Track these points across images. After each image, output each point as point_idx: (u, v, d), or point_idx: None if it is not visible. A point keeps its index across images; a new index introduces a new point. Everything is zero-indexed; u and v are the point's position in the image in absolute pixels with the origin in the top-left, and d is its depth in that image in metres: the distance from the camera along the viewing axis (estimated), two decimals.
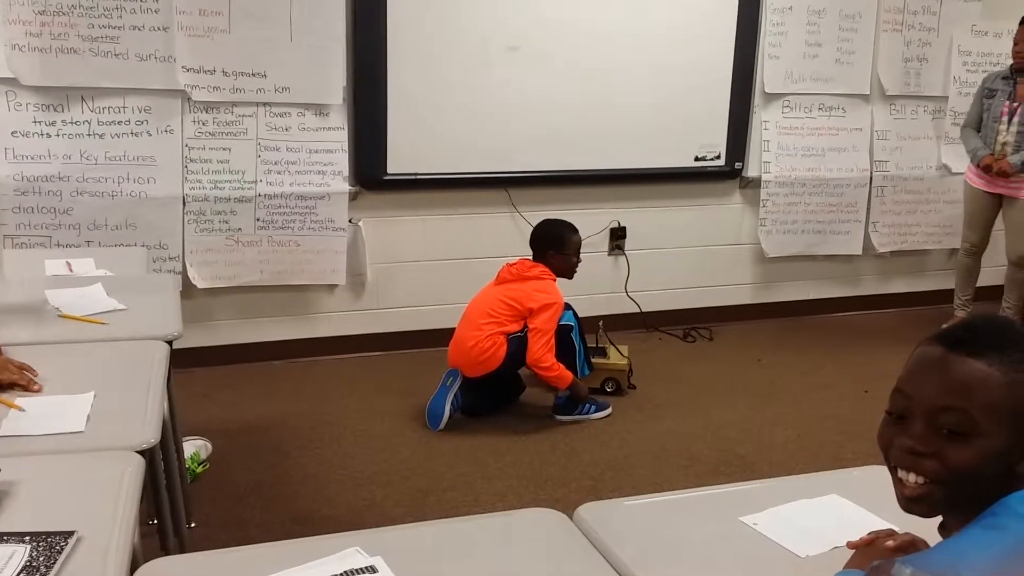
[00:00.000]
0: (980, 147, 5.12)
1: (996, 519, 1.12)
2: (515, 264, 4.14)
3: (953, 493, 1.18)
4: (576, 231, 4.20)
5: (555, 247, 4.14)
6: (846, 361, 4.97)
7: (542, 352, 3.97)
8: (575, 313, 4.17)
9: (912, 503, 1.21)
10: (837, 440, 3.97)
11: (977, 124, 5.19)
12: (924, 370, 1.20)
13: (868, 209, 5.63)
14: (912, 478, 1.19)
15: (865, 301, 5.83)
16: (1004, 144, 5.05)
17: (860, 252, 5.69)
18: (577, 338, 4.17)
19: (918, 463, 1.19)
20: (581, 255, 4.22)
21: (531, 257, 4.17)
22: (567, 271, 4.17)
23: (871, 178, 5.59)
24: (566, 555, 1.63)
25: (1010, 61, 5.08)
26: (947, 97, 5.61)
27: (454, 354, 4.09)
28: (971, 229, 5.34)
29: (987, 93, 5.13)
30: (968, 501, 1.18)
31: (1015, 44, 4.99)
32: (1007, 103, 5.02)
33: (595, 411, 4.16)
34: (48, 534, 1.54)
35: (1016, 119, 5.00)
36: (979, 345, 1.17)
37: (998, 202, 5.18)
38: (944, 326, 1.28)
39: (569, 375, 4.05)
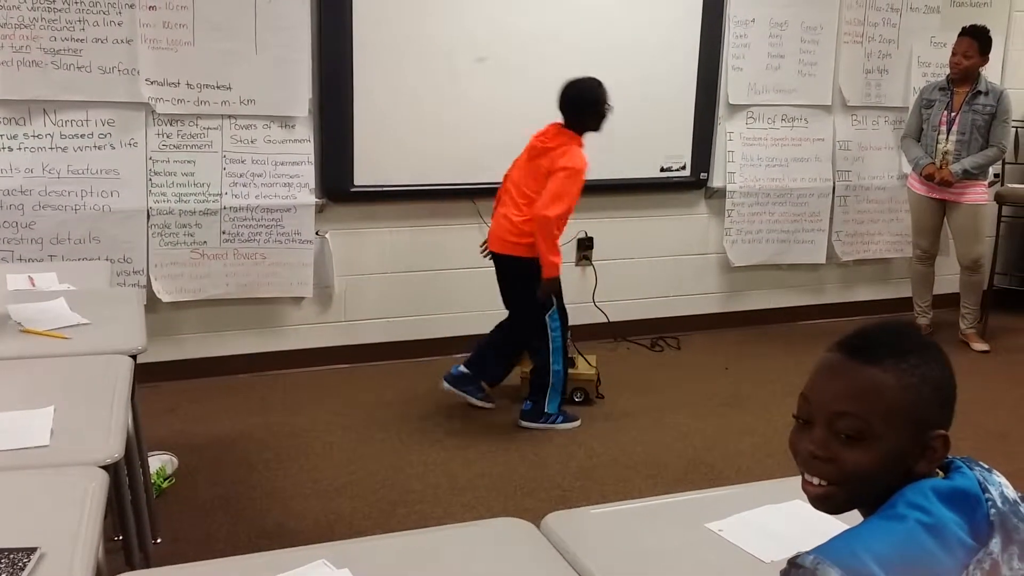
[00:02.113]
0: (922, 156, 5.23)
1: (894, 510, 1.18)
2: (541, 134, 4.06)
3: (853, 493, 1.24)
4: (602, 83, 4.07)
5: (594, 107, 4.02)
6: (811, 369, 5.01)
7: (551, 204, 3.87)
8: (564, 318, 4.13)
9: (816, 502, 1.28)
10: None
11: (917, 134, 5.31)
12: (824, 377, 1.27)
13: (831, 218, 5.70)
14: (815, 480, 1.25)
15: (829, 309, 5.90)
16: (945, 153, 5.15)
17: (824, 261, 5.76)
18: (557, 331, 4.11)
19: (819, 467, 1.25)
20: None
21: (562, 122, 4.05)
22: (599, 125, 4.07)
23: (834, 188, 5.67)
24: (533, 564, 1.63)
25: (947, 71, 5.19)
26: (907, 107, 5.69)
27: (495, 232, 4.12)
28: (920, 235, 5.43)
29: (925, 104, 5.25)
30: (871, 499, 1.24)
31: (952, 55, 5.11)
32: (945, 113, 5.13)
33: (562, 422, 4.16)
34: (10, 550, 1.52)
35: (955, 128, 5.11)
36: (874, 352, 1.22)
37: (943, 207, 5.28)
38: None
39: (555, 263, 3.96)
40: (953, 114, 5.12)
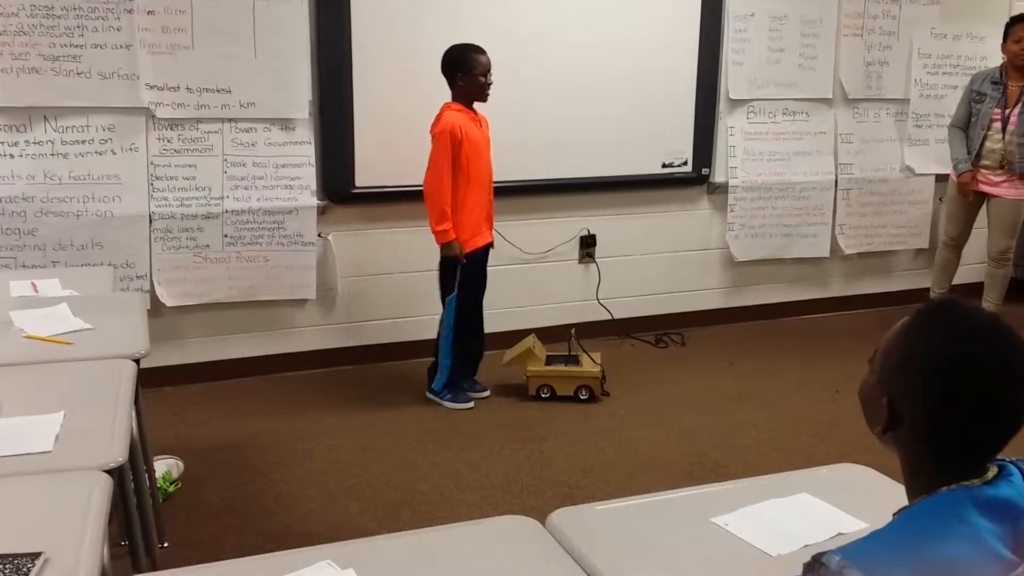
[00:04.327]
0: (963, 159, 5.14)
1: (928, 516, 1.15)
2: None
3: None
4: (482, 51, 4.13)
5: (462, 70, 4.10)
6: (817, 363, 5.01)
7: (426, 172, 4.06)
8: (461, 305, 4.24)
9: None
10: (810, 442, 4.00)
11: (964, 123, 5.21)
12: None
13: (834, 212, 5.69)
14: None
15: (834, 303, 5.88)
16: (992, 151, 5.08)
17: (827, 254, 5.74)
18: (451, 316, 4.24)
19: None
20: (491, 77, 4.13)
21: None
22: (479, 93, 4.14)
23: (836, 181, 5.65)
24: (539, 561, 1.63)
25: (996, 63, 5.11)
26: (908, 99, 5.69)
27: None
28: (952, 224, 5.39)
29: (976, 97, 5.13)
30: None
31: (1016, 43, 4.96)
32: (998, 110, 5.02)
33: (448, 399, 4.32)
34: (15, 556, 1.52)
35: (1012, 128, 4.97)
36: (931, 314, 1.23)
37: (982, 199, 5.24)
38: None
39: (443, 230, 4.09)
40: (1008, 111, 5.00)
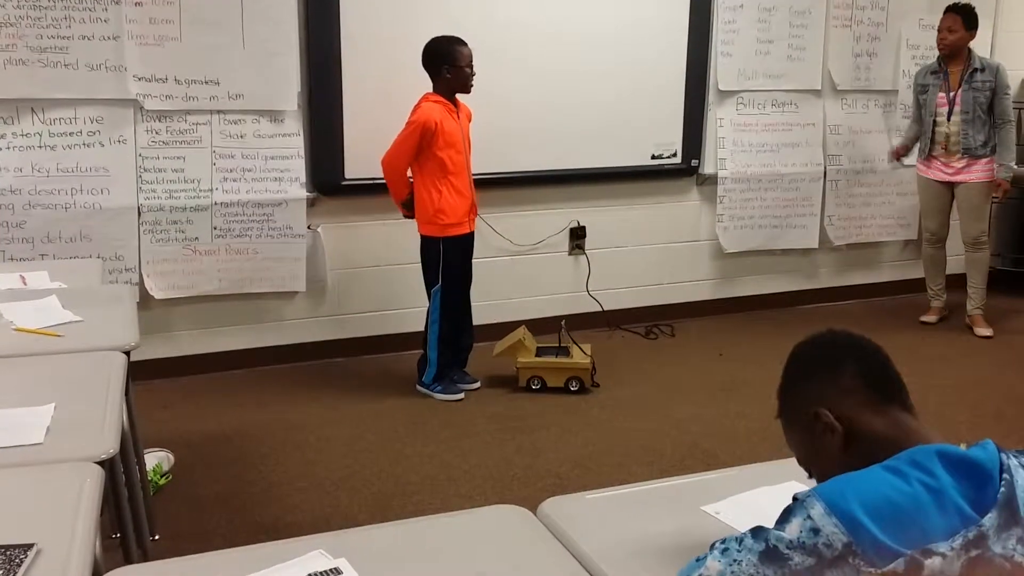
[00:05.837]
0: (906, 139, 5.43)
1: (897, 463, 1.22)
2: None
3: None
4: (464, 43, 4.15)
5: (448, 63, 4.10)
6: None
7: (388, 151, 4.14)
8: (445, 295, 4.25)
9: None
10: None
11: (916, 118, 5.34)
12: None
13: (823, 203, 5.71)
14: None
15: (823, 293, 5.91)
16: (947, 135, 5.14)
17: (816, 245, 5.76)
18: (436, 307, 4.26)
19: None
20: (474, 68, 4.15)
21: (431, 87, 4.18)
22: (463, 85, 4.15)
23: (825, 172, 5.67)
24: (530, 550, 1.63)
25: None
26: (897, 91, 5.70)
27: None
28: (929, 219, 5.44)
29: (919, 89, 5.25)
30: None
31: (937, 32, 5.10)
32: (942, 95, 5.11)
33: (439, 391, 4.34)
34: (7, 547, 1.52)
35: (957, 108, 5.08)
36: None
37: (950, 189, 5.27)
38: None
39: (398, 194, 4.22)
40: (952, 94, 5.09)
